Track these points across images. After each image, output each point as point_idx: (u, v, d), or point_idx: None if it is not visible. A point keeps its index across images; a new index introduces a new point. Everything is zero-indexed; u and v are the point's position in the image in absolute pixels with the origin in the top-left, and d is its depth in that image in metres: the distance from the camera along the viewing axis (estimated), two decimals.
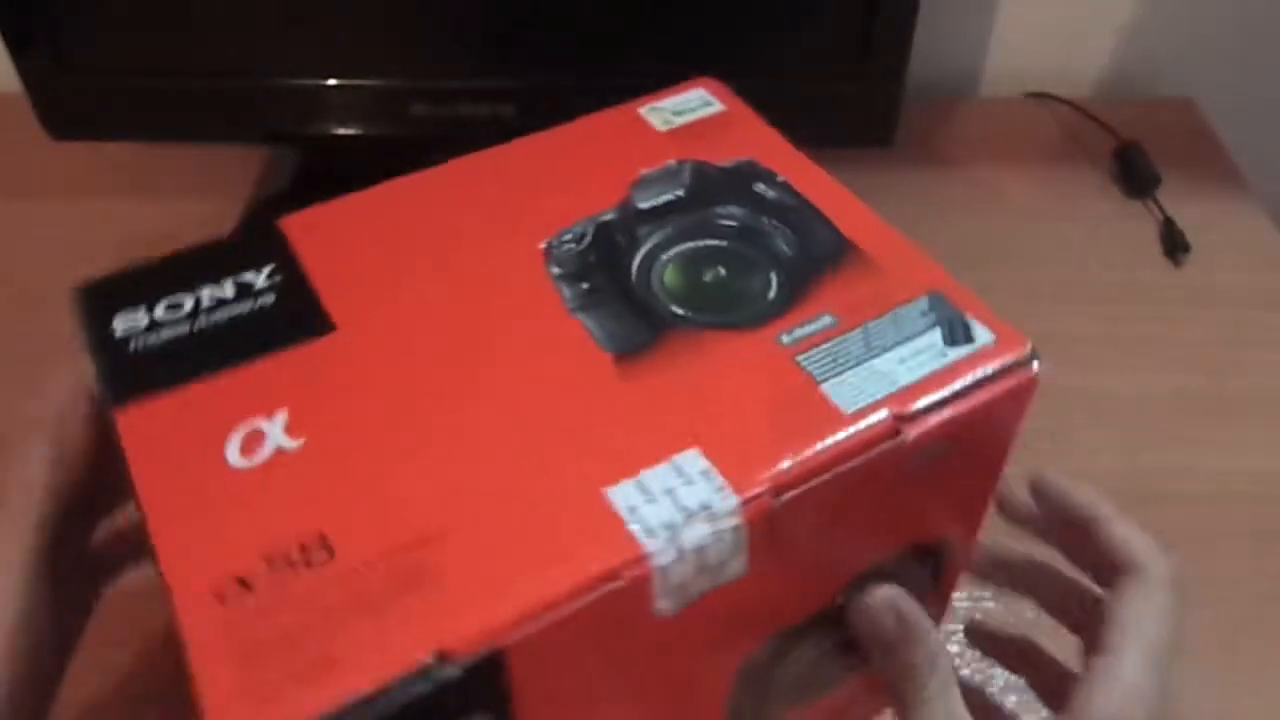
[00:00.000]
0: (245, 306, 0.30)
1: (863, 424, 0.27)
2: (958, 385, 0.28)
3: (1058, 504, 0.35)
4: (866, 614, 0.31)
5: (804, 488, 0.26)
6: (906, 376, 0.28)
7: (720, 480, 0.26)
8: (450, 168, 0.35)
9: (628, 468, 0.26)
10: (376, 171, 0.35)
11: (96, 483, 0.31)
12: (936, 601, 0.36)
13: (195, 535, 0.25)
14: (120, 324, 0.30)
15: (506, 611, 0.23)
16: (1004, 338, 0.29)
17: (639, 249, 0.32)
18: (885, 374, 0.28)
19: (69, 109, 0.61)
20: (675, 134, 0.36)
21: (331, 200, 0.34)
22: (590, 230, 0.32)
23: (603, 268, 0.31)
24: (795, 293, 0.31)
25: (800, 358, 0.29)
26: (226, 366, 0.28)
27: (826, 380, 0.28)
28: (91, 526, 0.33)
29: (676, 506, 0.25)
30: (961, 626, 0.40)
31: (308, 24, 0.58)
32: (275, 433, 0.27)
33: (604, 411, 0.27)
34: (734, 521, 0.25)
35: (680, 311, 0.30)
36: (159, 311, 0.30)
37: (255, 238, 0.32)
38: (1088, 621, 0.33)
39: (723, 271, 0.31)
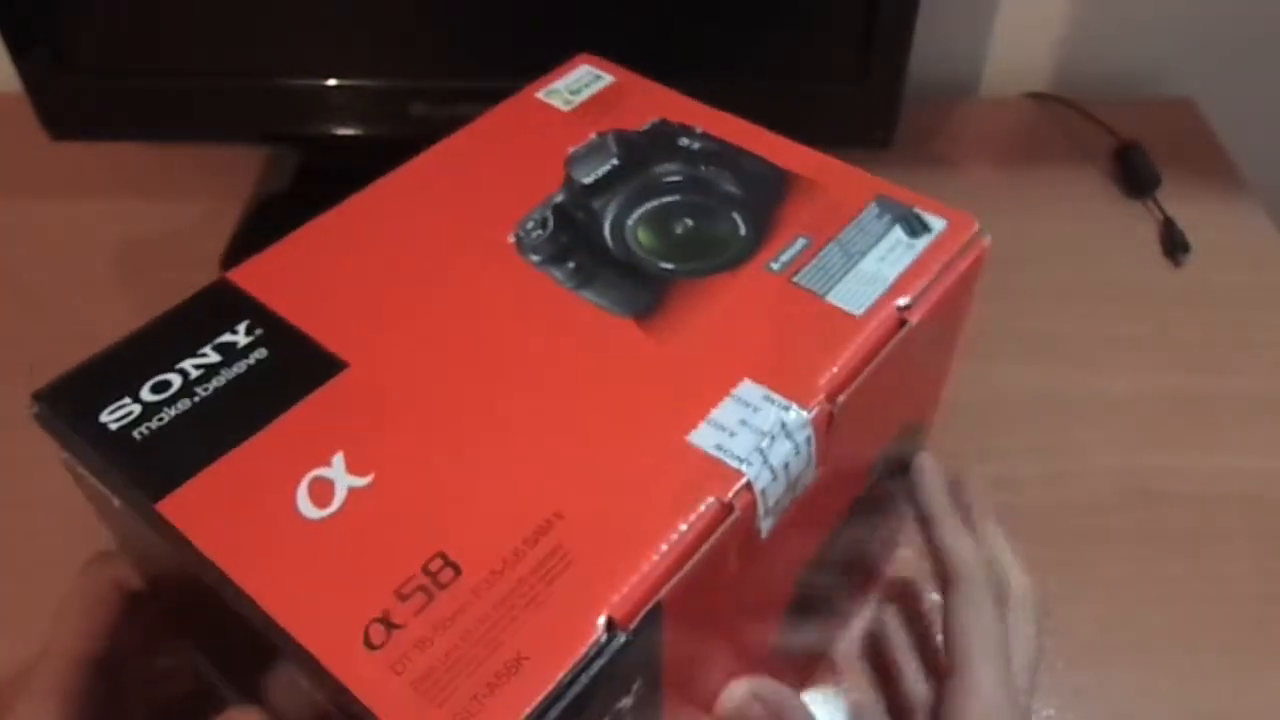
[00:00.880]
0: (240, 367, 0.29)
1: (874, 321, 0.30)
2: (935, 268, 0.31)
3: (914, 494, 0.36)
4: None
5: (851, 388, 0.28)
6: (891, 272, 0.31)
7: (783, 400, 0.28)
8: (379, 187, 0.34)
9: (696, 412, 0.27)
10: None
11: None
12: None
13: (309, 596, 0.24)
14: (110, 418, 0.27)
15: (656, 567, 0.24)
16: (954, 220, 0.33)
17: (604, 220, 0.33)
18: (874, 274, 0.31)
19: (69, 109, 0.60)
20: (580, 110, 0.37)
21: (272, 245, 0.32)
22: (549, 214, 0.33)
23: (580, 245, 0.32)
24: (762, 226, 0.33)
25: (796, 279, 0.31)
26: (253, 429, 0.27)
27: (827, 292, 0.31)
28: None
29: (756, 432, 0.27)
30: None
31: (307, 24, 0.58)
32: (341, 475, 0.26)
33: (648, 369, 0.29)
34: (807, 432, 0.27)
35: (670, 266, 0.32)
36: (145, 394, 0.28)
37: (211, 300, 0.31)
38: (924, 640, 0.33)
39: (690, 222, 0.33)
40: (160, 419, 0.27)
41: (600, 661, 0.23)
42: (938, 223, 0.33)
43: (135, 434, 0.27)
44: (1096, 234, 0.69)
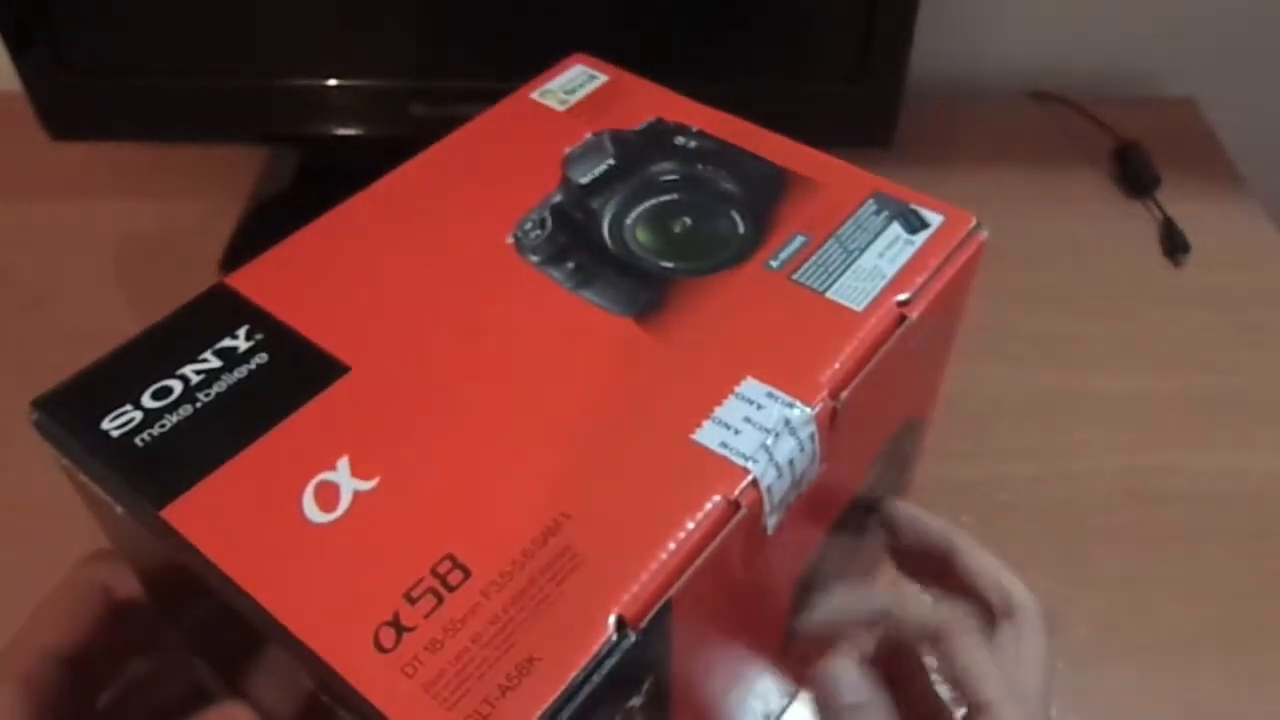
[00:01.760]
0: (241, 372, 0.28)
1: (875, 317, 0.30)
2: (934, 263, 0.32)
3: (911, 534, 0.35)
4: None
5: (854, 384, 0.29)
6: (890, 267, 0.31)
7: (786, 397, 0.28)
8: (377, 189, 0.34)
9: (700, 411, 0.27)
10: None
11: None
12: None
13: (318, 599, 0.24)
14: (111, 425, 0.27)
15: (664, 566, 0.24)
16: (950, 215, 0.33)
17: (602, 220, 0.33)
18: (873, 270, 0.31)
19: (69, 109, 0.60)
20: (575, 110, 0.37)
21: (270, 249, 0.32)
22: (547, 215, 0.33)
23: (579, 245, 0.32)
24: (761, 223, 0.33)
25: (795, 276, 0.31)
26: (257, 434, 0.27)
27: (827, 289, 0.31)
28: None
29: (760, 430, 0.27)
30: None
31: (307, 24, 0.58)
32: (346, 479, 0.26)
33: (651, 368, 0.29)
34: (811, 429, 0.27)
35: (671, 265, 0.32)
36: (146, 401, 0.28)
37: (210, 305, 0.30)
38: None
39: (688, 221, 0.33)
40: (162, 425, 0.27)
41: (612, 661, 0.23)
42: (935, 218, 0.33)
43: (137, 441, 0.27)
44: (1096, 234, 0.69)
